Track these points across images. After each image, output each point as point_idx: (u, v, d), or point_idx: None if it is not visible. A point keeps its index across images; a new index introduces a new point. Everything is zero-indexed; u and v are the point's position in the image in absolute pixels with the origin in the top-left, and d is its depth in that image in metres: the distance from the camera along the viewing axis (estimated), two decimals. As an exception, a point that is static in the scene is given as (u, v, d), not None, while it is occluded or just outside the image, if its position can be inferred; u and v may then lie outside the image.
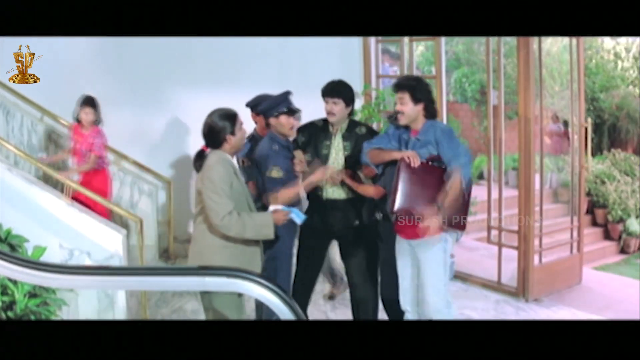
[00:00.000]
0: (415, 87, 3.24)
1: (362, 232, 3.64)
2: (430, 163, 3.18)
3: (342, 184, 3.54)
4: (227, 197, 2.83)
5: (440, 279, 3.24)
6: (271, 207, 3.03)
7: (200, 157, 3.01)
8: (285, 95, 3.55)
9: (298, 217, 3.02)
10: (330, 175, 3.46)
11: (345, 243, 3.72)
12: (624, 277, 5.88)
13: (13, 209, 3.75)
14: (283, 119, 3.50)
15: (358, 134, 3.60)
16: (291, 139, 3.67)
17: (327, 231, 3.65)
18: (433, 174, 3.17)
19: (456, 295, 4.86)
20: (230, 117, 2.96)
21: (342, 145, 3.61)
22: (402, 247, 3.37)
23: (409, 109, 3.23)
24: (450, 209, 3.10)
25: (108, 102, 5.51)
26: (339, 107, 3.55)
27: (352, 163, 3.57)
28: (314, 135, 3.64)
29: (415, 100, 3.22)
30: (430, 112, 3.27)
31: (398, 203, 3.14)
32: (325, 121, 3.67)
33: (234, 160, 3.04)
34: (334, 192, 3.60)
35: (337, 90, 3.57)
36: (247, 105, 3.87)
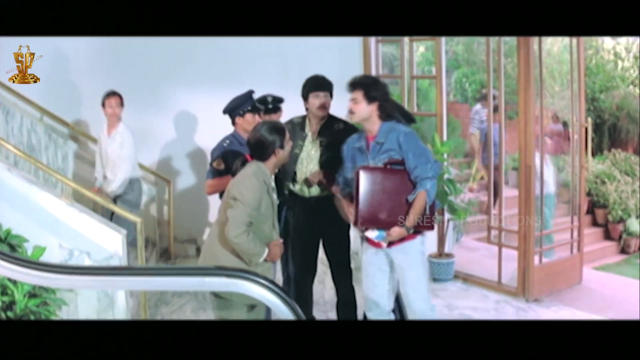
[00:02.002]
0: (369, 85, 3.09)
1: (346, 231, 3.62)
2: (389, 167, 3.06)
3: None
4: (251, 212, 2.87)
5: (423, 283, 3.15)
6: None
7: (242, 164, 3.06)
8: (249, 94, 3.58)
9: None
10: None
11: (330, 242, 3.70)
12: (625, 277, 5.87)
13: (13, 209, 3.75)
14: (249, 117, 3.54)
15: (335, 130, 3.57)
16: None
17: (314, 229, 3.64)
18: (394, 177, 3.04)
19: (456, 295, 4.87)
20: (279, 131, 3.00)
21: (318, 142, 3.58)
22: (375, 255, 3.21)
23: (361, 108, 3.07)
24: (414, 223, 3.01)
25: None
26: (329, 100, 3.56)
27: (325, 160, 3.53)
28: (291, 134, 3.60)
29: (369, 98, 3.07)
30: (386, 113, 3.11)
31: (361, 216, 3.01)
32: (304, 119, 3.64)
33: (272, 177, 3.07)
34: (316, 189, 3.58)
35: (325, 84, 3.56)
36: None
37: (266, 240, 3.01)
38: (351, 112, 3.10)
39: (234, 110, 3.57)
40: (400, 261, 3.14)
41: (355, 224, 3.08)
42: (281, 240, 3.08)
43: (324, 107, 3.53)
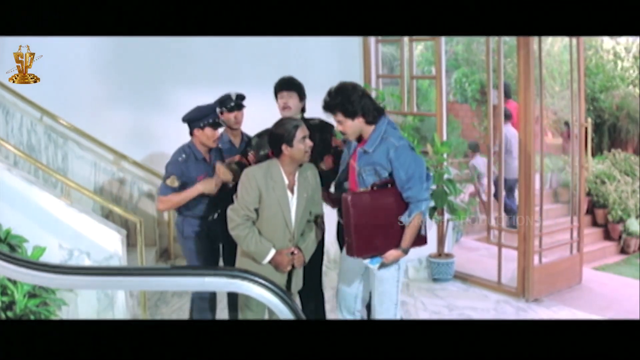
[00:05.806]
0: (343, 102, 2.95)
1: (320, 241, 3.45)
2: (375, 188, 2.95)
3: None
4: (245, 208, 2.92)
5: (392, 299, 3.06)
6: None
7: (265, 159, 3.10)
8: (214, 107, 3.47)
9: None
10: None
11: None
12: (624, 277, 5.87)
13: (13, 209, 3.75)
14: (208, 131, 3.39)
15: (311, 125, 3.37)
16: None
17: None
18: (383, 199, 2.94)
19: (456, 295, 4.87)
20: (287, 128, 2.94)
21: None
22: (351, 261, 3.11)
23: (349, 126, 2.98)
24: (411, 244, 2.95)
25: (108, 102, 5.53)
26: (294, 100, 3.46)
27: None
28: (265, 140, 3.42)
29: (351, 115, 2.96)
30: (373, 116, 2.99)
31: (356, 247, 2.89)
32: None
33: (282, 172, 2.97)
34: None
35: (288, 84, 3.48)
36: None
37: (279, 244, 2.99)
38: (342, 133, 3.05)
39: (194, 120, 3.41)
40: (374, 272, 3.06)
41: (351, 254, 2.95)
42: (292, 249, 3.01)
43: (287, 107, 3.43)
